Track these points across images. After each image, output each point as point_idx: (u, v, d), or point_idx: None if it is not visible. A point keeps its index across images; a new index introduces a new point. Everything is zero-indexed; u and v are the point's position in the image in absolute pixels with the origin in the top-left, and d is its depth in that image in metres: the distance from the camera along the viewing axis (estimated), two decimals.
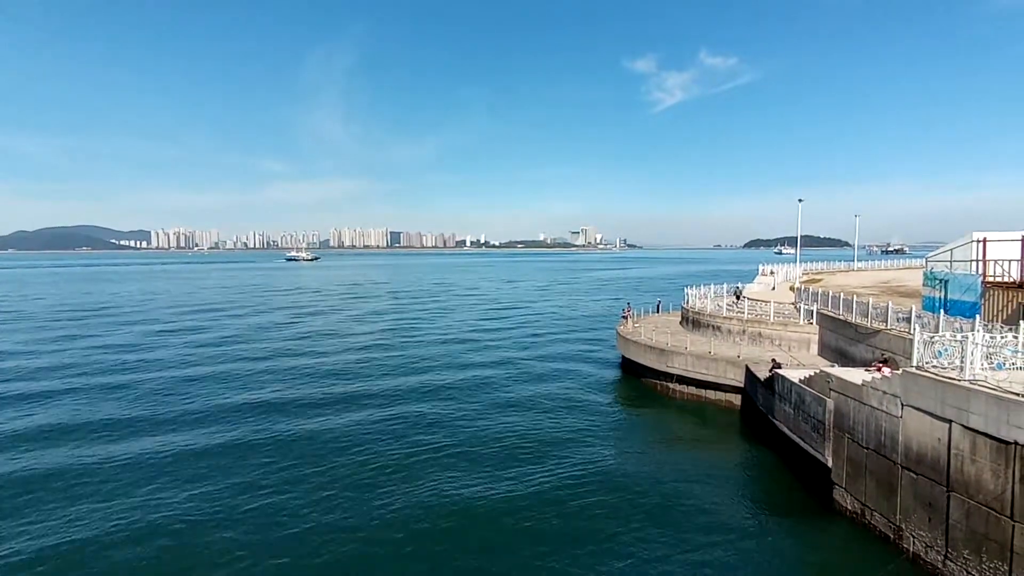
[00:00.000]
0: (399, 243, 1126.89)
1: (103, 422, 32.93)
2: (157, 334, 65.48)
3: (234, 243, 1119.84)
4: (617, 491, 23.86)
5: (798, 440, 25.52)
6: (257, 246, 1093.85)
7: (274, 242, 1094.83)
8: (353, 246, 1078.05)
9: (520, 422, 33.04)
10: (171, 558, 18.79)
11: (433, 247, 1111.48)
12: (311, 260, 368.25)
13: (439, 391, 39.86)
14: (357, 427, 31.92)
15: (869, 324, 29.49)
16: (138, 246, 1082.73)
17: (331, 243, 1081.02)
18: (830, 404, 22.74)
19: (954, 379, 17.00)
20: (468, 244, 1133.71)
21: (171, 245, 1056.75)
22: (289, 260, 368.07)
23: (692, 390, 36.80)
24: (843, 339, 32.22)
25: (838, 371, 24.18)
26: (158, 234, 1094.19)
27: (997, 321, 25.16)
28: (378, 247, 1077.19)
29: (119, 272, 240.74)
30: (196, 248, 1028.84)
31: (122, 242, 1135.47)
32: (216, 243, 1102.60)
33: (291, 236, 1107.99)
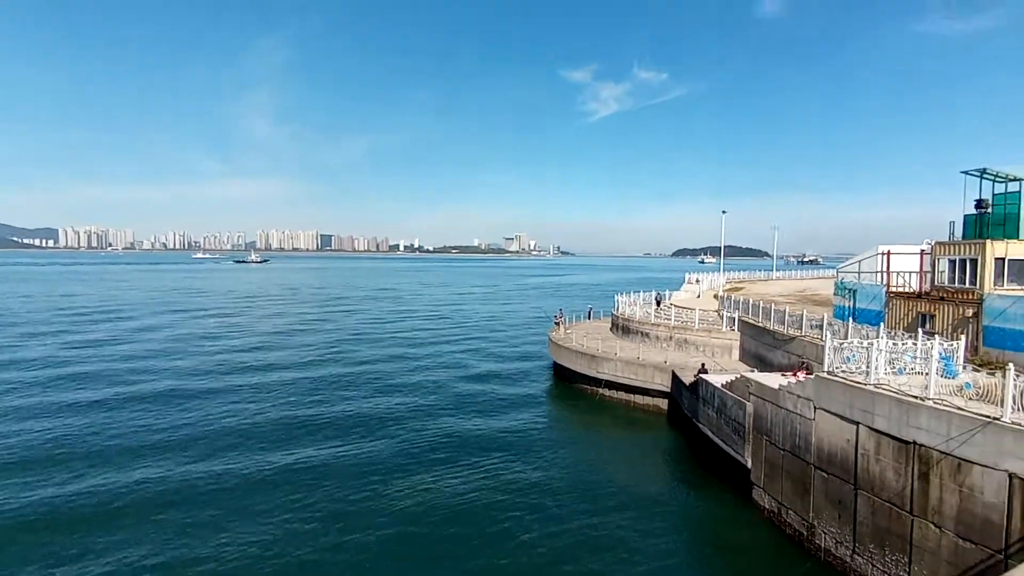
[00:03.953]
0: (330, 246, 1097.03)
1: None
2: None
3: (152, 243, 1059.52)
4: (543, 493, 24.10)
5: (720, 443, 26.47)
6: (177, 247, 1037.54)
7: (196, 243, 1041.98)
8: (281, 248, 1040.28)
9: (450, 426, 32.90)
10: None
11: (366, 251, 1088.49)
12: (260, 263, 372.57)
13: (373, 394, 39.26)
14: (310, 425, 30.88)
15: (785, 331, 30.98)
16: (44, 245, 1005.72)
17: (258, 244, 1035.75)
18: (749, 408, 23.70)
19: (861, 383, 18.05)
20: (402, 248, 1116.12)
21: (81, 244, 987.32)
22: (238, 262, 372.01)
23: (621, 395, 37.56)
24: (762, 345, 33.72)
25: (757, 376, 25.26)
26: (67, 232, 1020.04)
27: (899, 329, 26.91)
28: (308, 250, 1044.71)
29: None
30: (110, 248, 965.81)
31: (25, 240, 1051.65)
32: (132, 243, 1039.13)
33: (214, 237, 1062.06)
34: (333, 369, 48.18)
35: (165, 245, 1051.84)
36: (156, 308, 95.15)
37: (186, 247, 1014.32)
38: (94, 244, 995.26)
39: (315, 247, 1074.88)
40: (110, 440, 30.09)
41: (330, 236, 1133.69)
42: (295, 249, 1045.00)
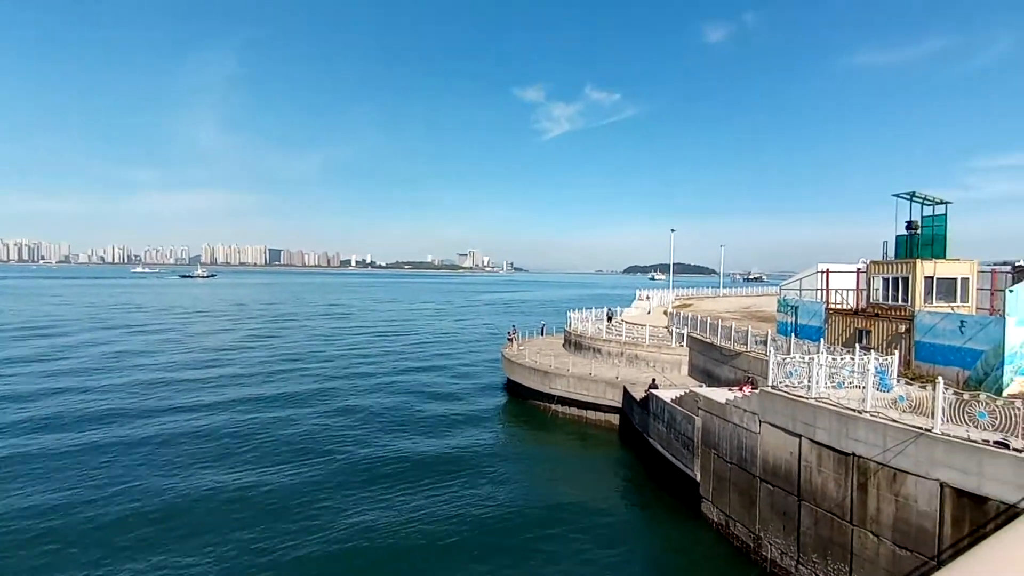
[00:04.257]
0: (279, 261, 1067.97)
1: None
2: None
3: (88, 257, 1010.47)
4: (494, 508, 24.04)
5: (670, 457, 26.83)
6: (116, 260, 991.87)
7: (136, 256, 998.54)
8: (228, 263, 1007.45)
9: (401, 444, 32.40)
10: None
11: (316, 266, 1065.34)
12: (207, 277, 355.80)
13: (322, 413, 38.27)
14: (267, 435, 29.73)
15: (732, 347, 31.79)
16: None
17: (203, 259, 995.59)
18: (698, 422, 24.15)
19: (802, 397, 18.66)
20: (353, 264, 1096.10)
21: (11, 257, 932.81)
22: (184, 277, 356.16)
23: (574, 411, 37.74)
24: (710, 360, 34.49)
25: (705, 391, 25.79)
26: None
27: (838, 344, 27.92)
28: (256, 264, 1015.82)
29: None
30: (42, 261, 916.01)
31: None
32: (67, 256, 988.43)
33: (156, 251, 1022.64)
34: (282, 387, 46.80)
35: (103, 259, 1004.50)
36: (93, 324, 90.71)
37: (126, 261, 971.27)
38: (25, 257, 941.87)
39: (263, 262, 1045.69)
40: (43, 461, 28.40)
41: (279, 251, 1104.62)
42: (242, 264, 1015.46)
